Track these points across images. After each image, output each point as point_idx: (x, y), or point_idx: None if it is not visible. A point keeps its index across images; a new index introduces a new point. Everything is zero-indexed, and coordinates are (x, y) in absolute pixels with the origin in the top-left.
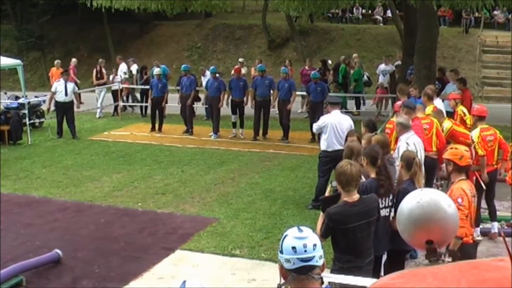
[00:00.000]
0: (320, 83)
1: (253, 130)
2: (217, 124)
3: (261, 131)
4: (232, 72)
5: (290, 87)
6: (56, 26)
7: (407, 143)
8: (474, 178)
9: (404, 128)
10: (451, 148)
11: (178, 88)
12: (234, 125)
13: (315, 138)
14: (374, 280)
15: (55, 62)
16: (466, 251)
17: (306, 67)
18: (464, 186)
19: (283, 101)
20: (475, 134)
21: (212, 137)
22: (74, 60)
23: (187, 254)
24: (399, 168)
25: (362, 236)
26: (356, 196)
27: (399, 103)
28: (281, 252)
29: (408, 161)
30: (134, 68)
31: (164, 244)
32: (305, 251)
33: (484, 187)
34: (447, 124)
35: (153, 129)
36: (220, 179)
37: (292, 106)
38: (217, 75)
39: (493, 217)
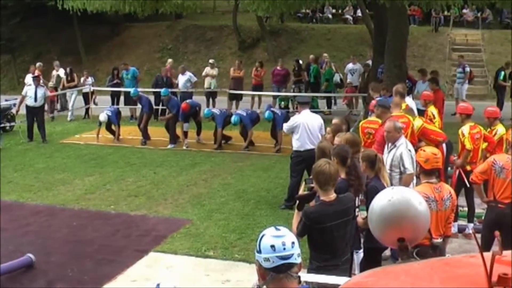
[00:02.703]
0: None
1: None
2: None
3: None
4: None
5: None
6: (26, 28)
7: (409, 150)
8: (457, 174)
9: (399, 132)
10: (421, 150)
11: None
12: (186, 134)
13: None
14: (347, 278)
15: (37, 64)
16: (421, 253)
17: (278, 67)
18: (423, 189)
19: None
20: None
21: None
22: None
23: (161, 256)
24: (362, 169)
25: (339, 235)
26: (333, 195)
27: (374, 102)
28: (259, 251)
29: (370, 159)
30: (61, 72)
31: (138, 246)
32: (284, 248)
33: (468, 184)
34: (418, 122)
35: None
36: (192, 180)
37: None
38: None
39: (470, 217)
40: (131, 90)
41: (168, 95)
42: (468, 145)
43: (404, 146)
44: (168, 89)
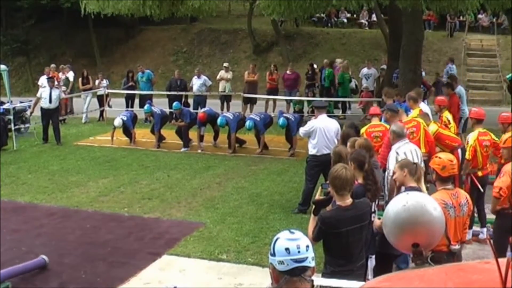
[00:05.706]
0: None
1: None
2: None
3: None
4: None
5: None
6: (41, 31)
7: (397, 153)
8: (469, 180)
9: (397, 136)
10: (436, 157)
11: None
12: (202, 138)
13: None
14: (362, 283)
15: (51, 66)
16: (435, 258)
17: (288, 72)
18: (441, 196)
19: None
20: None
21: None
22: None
23: (174, 259)
24: (399, 178)
25: (354, 240)
26: (349, 200)
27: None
28: (273, 254)
29: (409, 167)
30: (71, 75)
31: (151, 249)
32: (299, 252)
33: (481, 189)
34: (433, 127)
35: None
36: (206, 183)
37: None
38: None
39: (482, 222)
40: (145, 107)
41: (180, 108)
42: (467, 155)
43: (395, 148)
44: (179, 102)
